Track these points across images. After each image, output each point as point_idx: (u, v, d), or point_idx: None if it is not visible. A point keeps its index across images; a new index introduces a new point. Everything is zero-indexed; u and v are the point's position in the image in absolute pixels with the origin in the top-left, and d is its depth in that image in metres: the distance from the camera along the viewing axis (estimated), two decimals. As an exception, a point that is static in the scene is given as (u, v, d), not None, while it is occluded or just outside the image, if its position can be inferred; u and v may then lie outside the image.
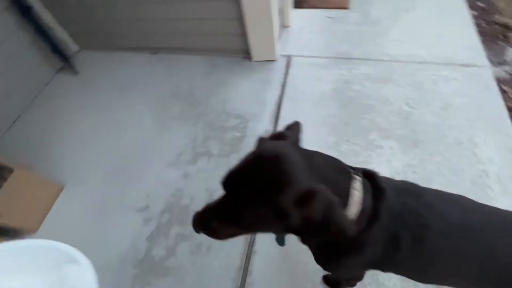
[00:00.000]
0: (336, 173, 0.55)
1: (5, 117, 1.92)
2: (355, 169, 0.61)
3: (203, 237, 0.57)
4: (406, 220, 0.57)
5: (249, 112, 1.69)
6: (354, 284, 0.92)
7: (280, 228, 0.50)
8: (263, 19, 1.67)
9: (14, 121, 1.97)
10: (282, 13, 2.01)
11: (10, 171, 1.27)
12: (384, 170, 1.34)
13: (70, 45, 2.26)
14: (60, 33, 2.15)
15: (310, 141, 1.49)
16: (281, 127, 1.52)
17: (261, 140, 0.59)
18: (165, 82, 1.96)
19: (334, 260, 0.67)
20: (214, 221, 0.54)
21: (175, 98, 1.85)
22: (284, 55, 1.93)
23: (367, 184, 0.58)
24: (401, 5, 2.07)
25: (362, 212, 0.54)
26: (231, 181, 0.52)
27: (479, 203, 0.65)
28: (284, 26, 2.11)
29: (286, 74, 1.83)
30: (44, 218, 1.47)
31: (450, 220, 0.58)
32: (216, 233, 0.56)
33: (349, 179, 0.55)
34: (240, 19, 1.71)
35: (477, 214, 0.61)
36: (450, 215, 0.59)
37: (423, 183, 1.23)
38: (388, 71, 1.71)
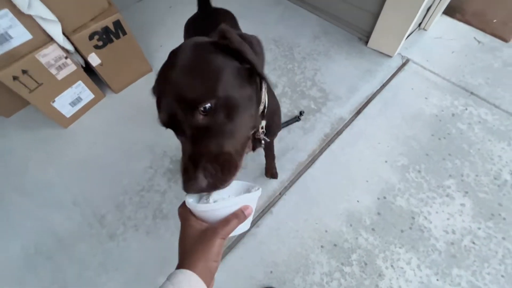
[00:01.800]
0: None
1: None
2: None
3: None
4: None
5: (334, 92, 1.60)
6: None
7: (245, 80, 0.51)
8: (406, 9, 1.47)
9: (139, 0, 2.20)
10: (426, 13, 1.75)
11: (124, 33, 1.45)
12: (439, 220, 1.19)
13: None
14: None
15: (378, 149, 1.38)
16: (360, 120, 1.45)
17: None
18: (274, 26, 1.94)
19: None
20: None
21: (275, 44, 1.83)
22: (402, 56, 1.72)
23: None
24: None
25: None
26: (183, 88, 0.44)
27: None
28: (420, 27, 1.85)
29: (393, 75, 1.64)
30: (126, 86, 1.69)
31: None
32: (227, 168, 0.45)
33: None
34: (382, -4, 1.54)
35: None
36: None
37: (475, 262, 1.07)
38: (510, 130, 1.42)
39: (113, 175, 1.38)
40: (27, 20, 1.13)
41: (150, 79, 1.72)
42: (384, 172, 1.32)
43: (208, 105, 0.43)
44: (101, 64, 1.46)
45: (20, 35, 1.14)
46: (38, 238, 1.23)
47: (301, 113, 1.50)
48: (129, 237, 1.22)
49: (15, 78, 1.20)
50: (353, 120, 1.49)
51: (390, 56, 1.72)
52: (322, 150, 1.40)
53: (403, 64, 1.69)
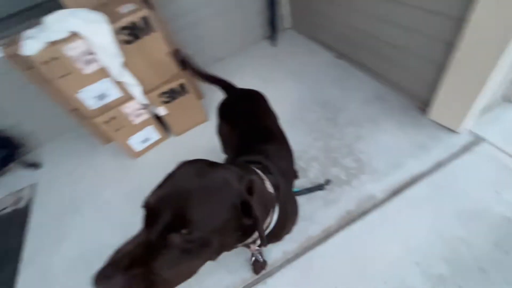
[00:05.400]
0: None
1: (212, 56, 2.54)
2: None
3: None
4: None
5: (373, 165, 1.44)
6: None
7: (239, 230, 0.56)
8: (472, 78, 1.25)
9: (217, 61, 2.61)
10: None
11: (187, 92, 1.80)
12: None
13: (285, 21, 2.64)
14: (284, 9, 2.53)
15: (409, 245, 1.15)
16: (395, 203, 1.24)
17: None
18: (325, 88, 1.96)
19: None
20: (154, 268, 0.45)
21: (320, 106, 1.83)
22: (473, 133, 1.42)
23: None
24: None
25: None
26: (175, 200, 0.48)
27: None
28: (507, 99, 1.49)
29: (455, 155, 1.36)
30: (186, 131, 2.03)
31: None
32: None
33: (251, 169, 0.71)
34: (441, 65, 1.36)
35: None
36: None
37: None
38: None
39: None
40: (119, 85, 1.59)
41: (205, 127, 2.00)
42: (410, 277, 1.07)
43: (186, 232, 0.46)
44: (167, 114, 1.83)
45: (114, 94, 1.61)
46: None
47: (326, 182, 1.42)
48: None
49: (106, 122, 1.67)
50: (385, 201, 1.30)
51: (455, 132, 1.44)
52: (339, 229, 1.26)
53: (473, 144, 1.38)
